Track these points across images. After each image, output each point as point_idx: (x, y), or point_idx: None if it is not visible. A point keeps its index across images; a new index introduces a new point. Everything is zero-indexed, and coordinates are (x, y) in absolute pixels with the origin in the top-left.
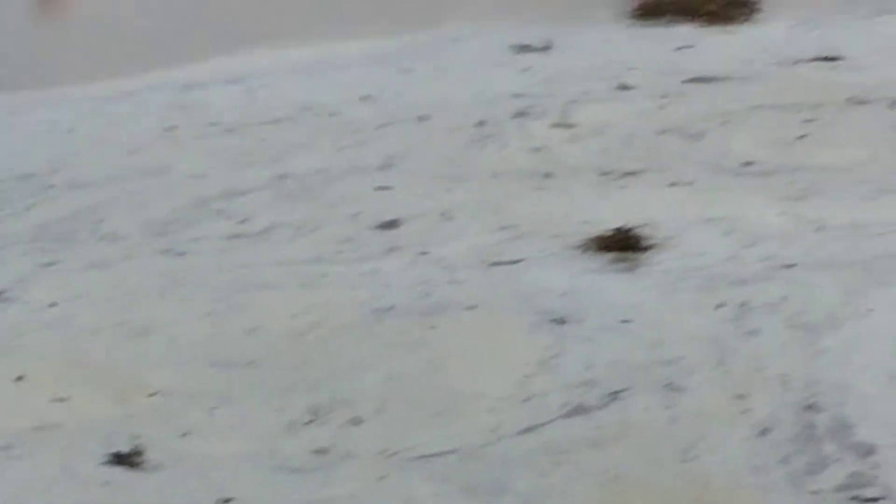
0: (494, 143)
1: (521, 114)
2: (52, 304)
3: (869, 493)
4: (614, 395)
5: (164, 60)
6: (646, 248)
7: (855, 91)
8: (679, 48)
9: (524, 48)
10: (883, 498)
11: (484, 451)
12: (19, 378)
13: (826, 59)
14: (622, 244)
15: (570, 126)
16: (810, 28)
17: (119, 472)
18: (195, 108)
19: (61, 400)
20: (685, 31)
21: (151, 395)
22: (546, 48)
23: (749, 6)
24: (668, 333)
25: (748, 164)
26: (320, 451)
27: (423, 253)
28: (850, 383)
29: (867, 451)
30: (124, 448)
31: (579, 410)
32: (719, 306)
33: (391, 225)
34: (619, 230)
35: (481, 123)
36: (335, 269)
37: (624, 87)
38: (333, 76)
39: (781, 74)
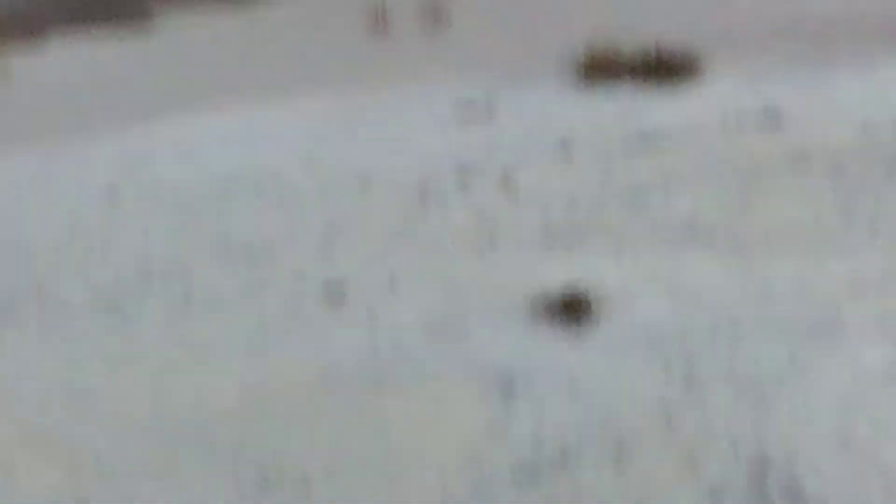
0: (437, 207)
1: (463, 177)
2: None
3: None
4: (564, 459)
5: (106, 125)
6: (591, 311)
7: (797, 150)
8: (622, 108)
9: (467, 109)
10: None
11: None
12: None
13: (769, 117)
14: (568, 307)
15: (512, 189)
16: (753, 85)
17: None
18: (138, 173)
19: (7, 471)
20: (628, 91)
21: (99, 465)
22: (489, 109)
23: (692, 64)
24: (615, 396)
25: (692, 225)
26: None
27: (370, 318)
28: (800, 444)
29: None
30: None
31: (529, 474)
32: (666, 368)
33: (336, 290)
34: (564, 293)
35: (424, 187)
36: (281, 335)
37: (566, 149)
38: (276, 140)
39: (724, 134)
